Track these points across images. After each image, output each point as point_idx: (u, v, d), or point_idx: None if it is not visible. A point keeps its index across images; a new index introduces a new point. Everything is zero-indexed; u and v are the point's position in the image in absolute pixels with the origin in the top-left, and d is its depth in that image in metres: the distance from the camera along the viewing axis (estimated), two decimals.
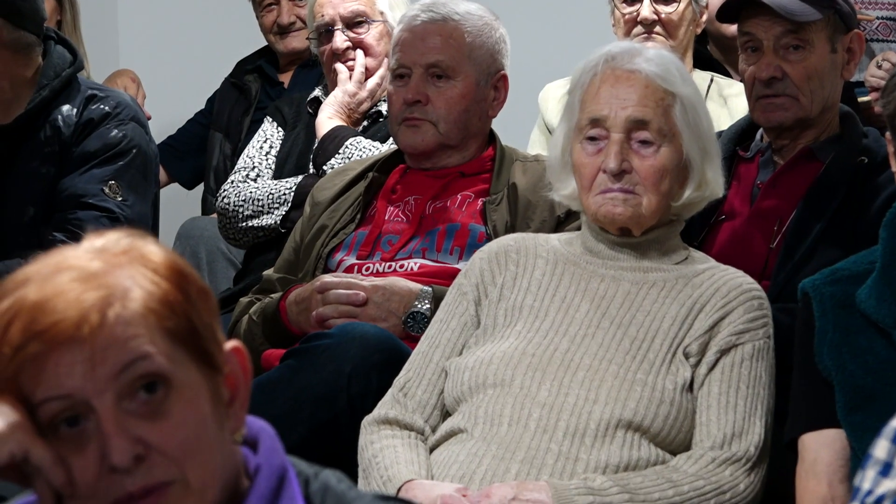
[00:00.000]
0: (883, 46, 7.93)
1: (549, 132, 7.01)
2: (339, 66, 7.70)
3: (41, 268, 3.25)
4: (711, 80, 7.19)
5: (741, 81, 6.51)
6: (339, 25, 7.68)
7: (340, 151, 7.27)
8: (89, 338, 3.13)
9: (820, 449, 4.90)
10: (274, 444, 3.36)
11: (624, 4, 7.48)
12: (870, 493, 3.32)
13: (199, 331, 3.25)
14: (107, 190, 6.32)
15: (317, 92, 7.93)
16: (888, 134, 4.91)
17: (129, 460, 3.12)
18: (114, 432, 3.13)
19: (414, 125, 6.30)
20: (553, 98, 7.22)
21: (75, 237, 5.40)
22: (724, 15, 6.52)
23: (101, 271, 3.17)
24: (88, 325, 3.13)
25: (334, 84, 7.74)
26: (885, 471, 3.31)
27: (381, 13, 7.55)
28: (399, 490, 4.91)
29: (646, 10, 7.37)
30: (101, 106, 6.56)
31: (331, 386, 4.38)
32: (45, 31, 6.73)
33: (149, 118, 7.17)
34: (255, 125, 8.24)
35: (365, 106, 7.57)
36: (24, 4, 6.50)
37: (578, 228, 5.54)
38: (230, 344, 3.35)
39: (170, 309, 3.20)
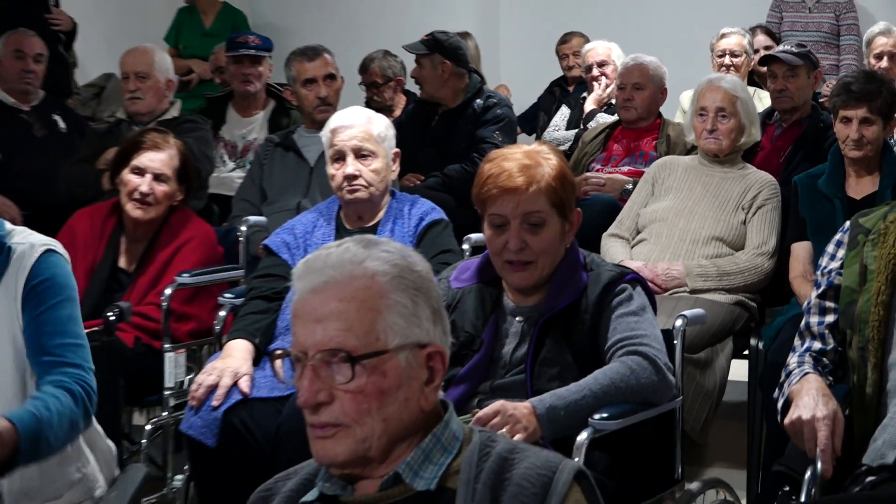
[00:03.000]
0: (828, 77, 7.79)
1: (683, 112, 6.94)
2: (594, 83, 7.56)
3: (505, 155, 3.35)
4: (755, 91, 6.94)
5: (768, 92, 6.39)
6: (595, 66, 7.56)
7: (594, 119, 7.13)
8: (520, 195, 3.23)
9: (800, 250, 4.86)
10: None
11: (717, 58, 7.33)
12: (824, 267, 3.25)
13: (564, 203, 3.29)
14: (496, 135, 6.17)
15: (584, 94, 7.71)
16: (832, 115, 4.93)
17: (517, 247, 3.20)
18: (514, 235, 3.23)
19: (627, 109, 6.21)
20: (686, 98, 7.05)
21: (482, 156, 5.39)
22: (761, 62, 6.45)
23: (534, 161, 3.28)
24: (520, 190, 3.24)
25: (592, 90, 7.58)
26: (831, 258, 3.24)
27: (614, 60, 7.36)
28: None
29: (727, 60, 7.25)
30: (493, 100, 6.38)
31: (588, 222, 4.15)
32: (469, 66, 6.51)
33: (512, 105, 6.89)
34: (557, 109, 7.98)
35: (605, 100, 7.39)
36: (461, 55, 6.35)
37: (696, 153, 5.45)
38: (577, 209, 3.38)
39: (554, 191, 3.26)
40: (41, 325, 2.77)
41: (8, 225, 2.87)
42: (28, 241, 2.83)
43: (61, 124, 6.61)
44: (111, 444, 3.07)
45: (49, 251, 2.84)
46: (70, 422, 2.73)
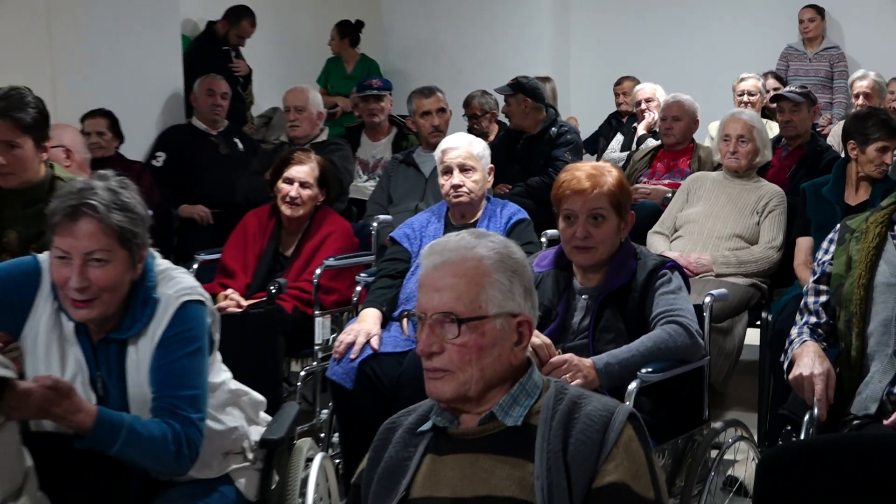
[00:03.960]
0: (823, 112, 7.80)
1: (711, 138, 6.84)
2: (642, 115, 7.40)
3: (577, 167, 3.31)
4: (767, 122, 6.68)
5: (777, 123, 6.26)
6: (643, 101, 7.41)
7: (644, 143, 7.03)
8: (586, 195, 3.18)
9: (804, 243, 4.76)
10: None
11: (738, 97, 7.22)
12: (819, 259, 3.20)
13: (621, 205, 3.21)
14: (566, 155, 6.05)
15: (634, 124, 7.55)
16: (850, 144, 4.77)
17: (582, 235, 3.17)
18: (581, 226, 3.18)
19: (667, 135, 6.08)
20: (713, 127, 6.94)
21: (556, 171, 5.32)
22: (772, 100, 6.32)
23: (598, 172, 3.20)
24: (586, 191, 3.18)
25: (641, 121, 7.42)
26: (825, 252, 3.19)
27: (658, 97, 7.20)
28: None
29: (745, 98, 7.12)
30: (564, 128, 6.27)
31: (637, 222, 4.04)
32: (545, 102, 6.43)
33: (579, 132, 6.84)
34: (613, 136, 7.82)
35: (651, 129, 7.21)
36: (539, 93, 6.25)
37: (721, 170, 5.33)
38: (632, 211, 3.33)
39: (613, 195, 3.19)
40: (168, 375, 2.54)
41: (158, 263, 2.67)
42: (169, 292, 2.59)
43: (240, 145, 6.68)
44: (257, 395, 2.94)
45: (186, 303, 2.58)
46: (156, 451, 2.49)
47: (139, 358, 2.56)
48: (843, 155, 5.12)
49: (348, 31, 8.98)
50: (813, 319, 3.18)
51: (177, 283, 2.63)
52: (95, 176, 2.57)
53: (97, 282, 2.48)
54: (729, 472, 3.94)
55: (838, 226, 3.25)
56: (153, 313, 2.57)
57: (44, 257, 2.62)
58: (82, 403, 2.42)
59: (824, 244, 3.25)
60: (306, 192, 4.76)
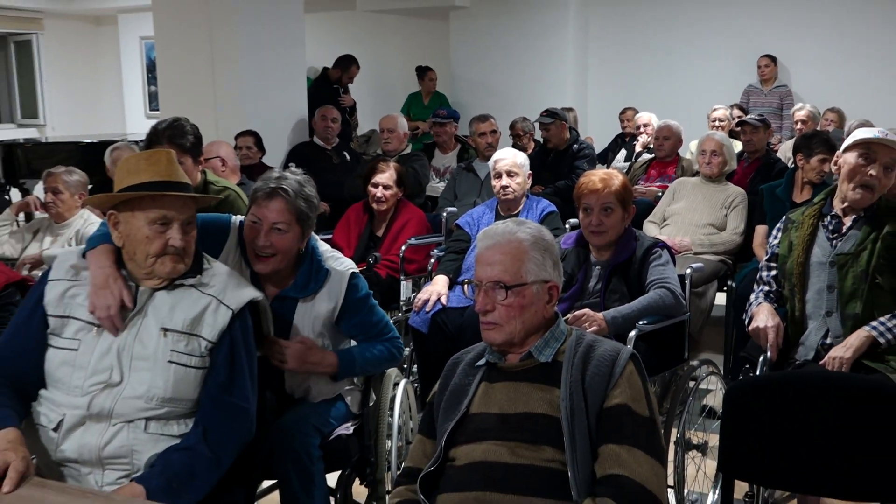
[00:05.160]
0: (776, 134, 7.73)
1: (691, 153, 6.72)
2: (641, 136, 7.32)
3: (593, 174, 3.21)
4: (732, 141, 6.60)
5: (741, 141, 6.07)
6: (642, 125, 7.28)
7: (641, 156, 6.94)
8: (599, 193, 3.09)
9: (760, 230, 4.64)
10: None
11: (711, 123, 7.06)
12: (770, 243, 3.14)
13: (626, 201, 3.12)
14: (584, 165, 5.98)
15: (634, 142, 7.40)
16: (799, 157, 4.60)
17: (597, 223, 3.10)
18: (596, 216, 3.09)
19: (659, 150, 5.94)
20: (693, 145, 6.81)
21: (577, 176, 5.26)
22: (737, 125, 6.15)
23: (608, 177, 3.09)
24: (599, 190, 3.09)
25: (639, 140, 7.33)
26: (774, 238, 3.12)
27: (652, 122, 7.08)
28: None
29: (717, 123, 6.98)
30: (584, 145, 6.16)
31: (636, 214, 4.09)
32: (570, 125, 6.29)
33: (594, 148, 6.79)
34: (619, 151, 7.66)
35: (647, 145, 7.10)
36: (566, 119, 6.25)
37: (699, 176, 5.24)
38: (632, 208, 3.24)
39: (619, 193, 3.09)
40: (364, 324, 2.68)
41: (320, 245, 2.75)
42: (339, 268, 2.68)
43: (347, 157, 6.68)
44: None
45: (352, 275, 2.66)
46: (378, 361, 2.71)
47: (306, 312, 2.61)
48: (790, 165, 4.99)
49: (425, 74, 9.00)
50: (766, 288, 3.13)
51: (341, 262, 2.73)
52: (288, 170, 2.65)
53: (276, 244, 2.55)
54: (704, 401, 3.89)
55: (784, 217, 3.20)
56: (325, 280, 2.62)
57: (236, 219, 2.69)
58: (327, 354, 2.58)
59: (774, 231, 3.19)
60: (388, 192, 4.71)
